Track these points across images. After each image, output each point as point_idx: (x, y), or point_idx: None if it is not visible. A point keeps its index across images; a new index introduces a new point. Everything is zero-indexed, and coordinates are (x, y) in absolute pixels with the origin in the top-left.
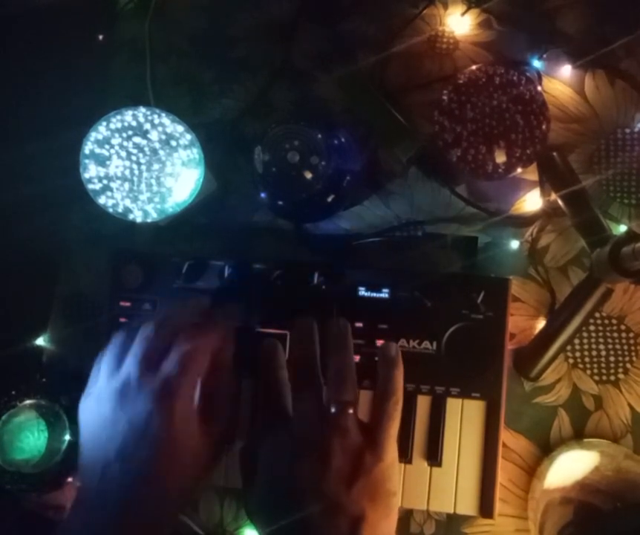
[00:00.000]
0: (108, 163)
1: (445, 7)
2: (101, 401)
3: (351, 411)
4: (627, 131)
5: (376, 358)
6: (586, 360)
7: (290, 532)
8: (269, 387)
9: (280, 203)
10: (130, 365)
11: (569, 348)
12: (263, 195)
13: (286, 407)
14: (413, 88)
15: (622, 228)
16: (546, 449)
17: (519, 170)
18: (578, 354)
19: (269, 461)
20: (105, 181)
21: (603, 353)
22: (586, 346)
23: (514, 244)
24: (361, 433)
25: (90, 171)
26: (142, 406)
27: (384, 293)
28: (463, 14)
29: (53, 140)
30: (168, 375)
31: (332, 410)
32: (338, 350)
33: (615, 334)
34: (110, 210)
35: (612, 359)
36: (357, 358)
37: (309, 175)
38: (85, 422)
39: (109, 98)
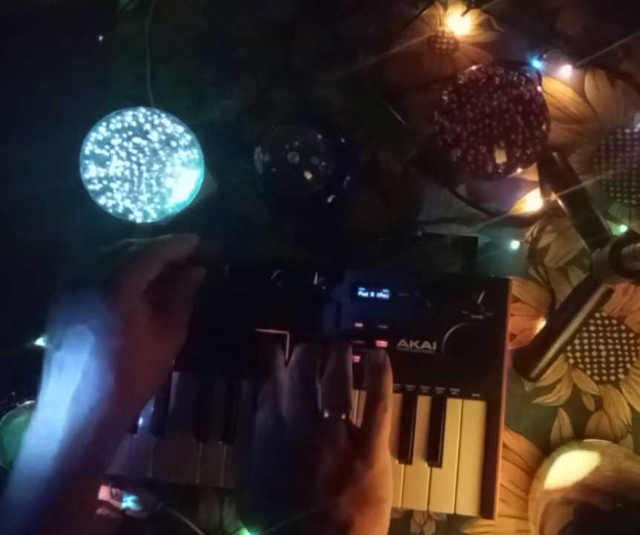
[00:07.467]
0: (108, 163)
1: (445, 7)
2: (62, 302)
3: (343, 416)
4: (627, 131)
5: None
6: (587, 360)
7: None
8: (266, 387)
9: (280, 203)
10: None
11: (569, 348)
12: (263, 195)
13: (282, 410)
14: (413, 88)
15: (622, 228)
16: (547, 449)
17: (519, 170)
18: (578, 355)
19: (261, 465)
20: (105, 182)
21: (604, 353)
22: (586, 346)
23: (514, 245)
24: (352, 440)
25: (90, 171)
26: (85, 292)
27: (384, 293)
28: (463, 15)
29: (53, 140)
30: (113, 270)
31: (325, 415)
32: (335, 357)
33: (615, 334)
34: (111, 211)
35: (612, 359)
36: (357, 358)
37: (309, 176)
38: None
39: (109, 98)
